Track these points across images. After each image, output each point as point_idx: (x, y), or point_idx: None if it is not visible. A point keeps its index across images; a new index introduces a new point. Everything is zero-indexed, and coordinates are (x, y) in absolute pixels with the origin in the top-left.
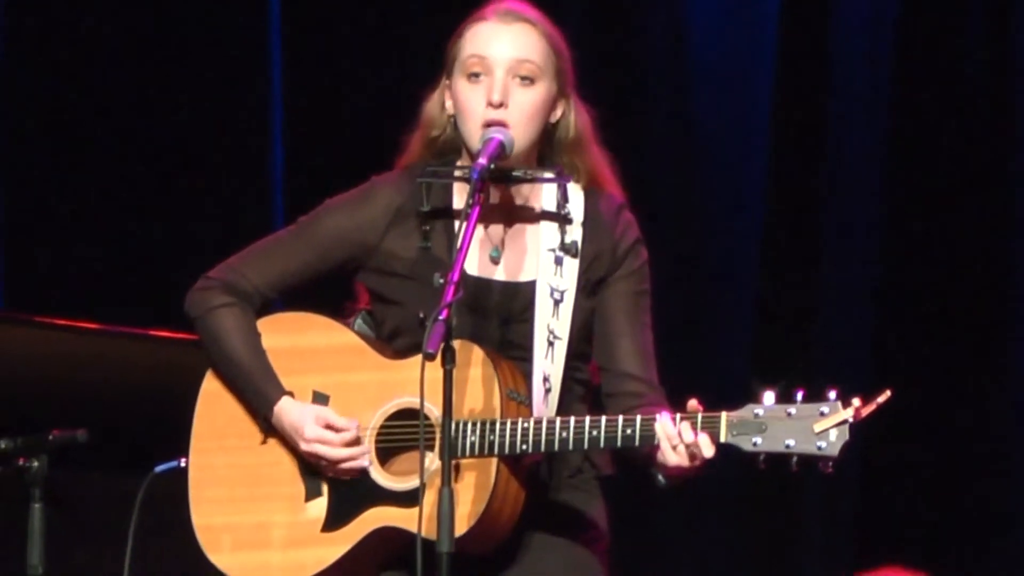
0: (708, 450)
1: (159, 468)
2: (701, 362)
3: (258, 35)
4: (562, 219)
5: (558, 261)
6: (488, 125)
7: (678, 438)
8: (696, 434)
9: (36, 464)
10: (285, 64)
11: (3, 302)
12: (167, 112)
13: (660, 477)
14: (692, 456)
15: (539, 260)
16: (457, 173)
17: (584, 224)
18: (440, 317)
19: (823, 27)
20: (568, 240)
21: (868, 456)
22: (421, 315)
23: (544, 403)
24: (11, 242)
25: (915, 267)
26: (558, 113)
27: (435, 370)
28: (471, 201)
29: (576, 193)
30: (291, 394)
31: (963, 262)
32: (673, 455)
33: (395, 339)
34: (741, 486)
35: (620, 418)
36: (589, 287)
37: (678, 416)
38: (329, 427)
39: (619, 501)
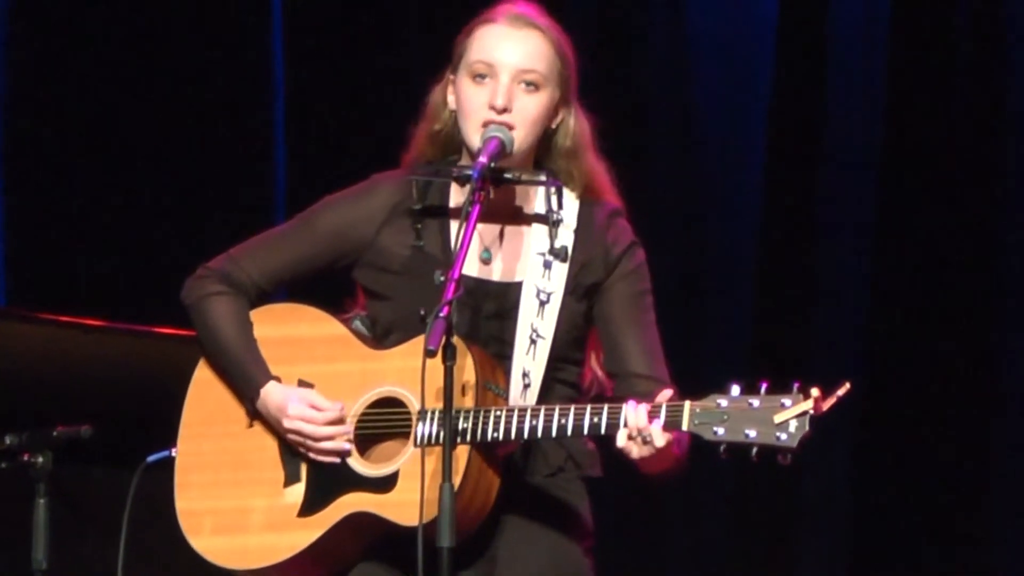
0: (659, 439)
1: (151, 458)
2: (700, 364)
3: (261, 35)
4: (553, 224)
5: (547, 265)
6: (487, 125)
7: (635, 429)
8: (650, 422)
9: (41, 460)
10: (287, 62)
11: (6, 299)
12: (169, 111)
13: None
14: (644, 442)
15: (528, 262)
16: (455, 172)
17: (576, 231)
18: (441, 314)
19: (821, 22)
20: (558, 245)
21: (860, 456)
22: (423, 312)
23: (522, 397)
24: (13, 240)
25: (908, 260)
26: (558, 119)
27: (415, 359)
28: (471, 199)
29: (571, 200)
30: (278, 379)
31: (956, 255)
32: (624, 440)
33: (388, 335)
34: (736, 489)
35: (588, 407)
36: (580, 291)
37: (643, 404)
38: (313, 407)
39: (614, 503)
